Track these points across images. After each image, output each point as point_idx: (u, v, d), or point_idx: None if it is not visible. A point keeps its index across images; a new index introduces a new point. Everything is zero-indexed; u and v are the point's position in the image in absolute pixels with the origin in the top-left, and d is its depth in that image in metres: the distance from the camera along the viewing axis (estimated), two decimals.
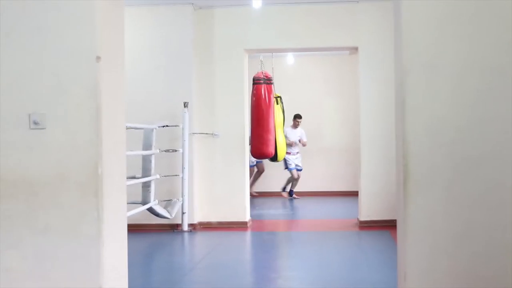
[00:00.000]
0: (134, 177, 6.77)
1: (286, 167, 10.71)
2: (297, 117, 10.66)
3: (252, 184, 10.82)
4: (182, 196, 7.32)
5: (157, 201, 7.15)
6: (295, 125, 10.69)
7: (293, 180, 10.90)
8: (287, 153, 10.35)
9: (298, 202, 10.57)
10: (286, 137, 10.22)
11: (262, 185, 11.26)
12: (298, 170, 10.81)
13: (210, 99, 7.70)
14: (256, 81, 7.87)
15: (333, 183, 11.03)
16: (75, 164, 3.03)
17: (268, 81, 7.89)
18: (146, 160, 7.02)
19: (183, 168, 7.33)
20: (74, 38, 3.05)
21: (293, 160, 10.72)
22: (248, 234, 7.44)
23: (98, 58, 3.04)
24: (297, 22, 7.58)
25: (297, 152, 10.80)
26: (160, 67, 7.55)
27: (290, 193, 11.00)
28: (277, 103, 8.26)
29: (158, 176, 7.10)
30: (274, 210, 9.92)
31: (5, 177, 3.05)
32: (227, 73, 7.68)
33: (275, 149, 8.07)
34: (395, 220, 3.24)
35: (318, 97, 11.30)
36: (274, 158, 8.39)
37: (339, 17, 7.54)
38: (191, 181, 7.46)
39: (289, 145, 10.33)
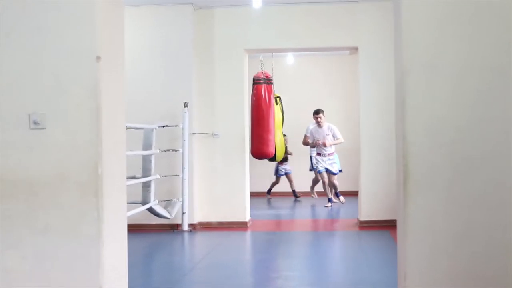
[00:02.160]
0: (134, 177, 6.77)
1: (312, 168, 9.92)
2: (315, 113, 9.59)
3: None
4: (182, 196, 7.32)
5: (157, 201, 7.15)
6: (318, 123, 9.59)
7: (323, 184, 9.80)
8: (317, 154, 9.72)
9: (298, 202, 10.57)
10: (313, 137, 9.59)
11: (263, 186, 11.25)
12: (332, 173, 9.72)
13: (210, 99, 7.70)
14: (256, 81, 7.87)
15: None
16: (75, 164, 3.03)
17: (268, 81, 7.89)
18: (146, 160, 7.02)
19: (183, 168, 7.33)
20: (74, 38, 3.05)
21: (323, 162, 9.69)
22: (248, 234, 7.44)
23: (98, 58, 3.04)
24: (297, 22, 7.59)
25: (330, 154, 9.68)
26: (160, 67, 7.55)
27: (337, 195, 9.93)
28: (276, 103, 8.26)
29: (158, 176, 7.10)
30: (274, 210, 9.92)
31: (5, 177, 3.05)
32: (227, 73, 7.68)
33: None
34: (395, 220, 3.24)
35: (318, 97, 11.29)
36: (272, 159, 8.39)
37: (339, 17, 7.54)
38: (191, 181, 7.46)
39: (315, 145, 9.62)
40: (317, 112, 9.58)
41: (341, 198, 9.85)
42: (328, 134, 9.60)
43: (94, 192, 3.02)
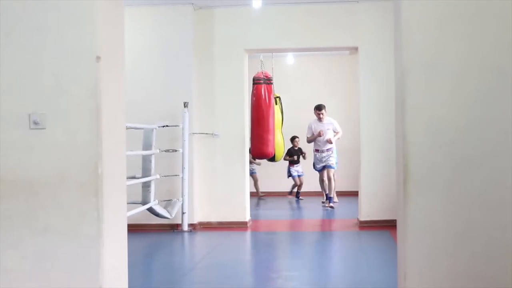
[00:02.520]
0: (134, 177, 6.77)
1: (314, 168, 9.69)
2: (318, 108, 9.39)
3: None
4: (182, 196, 7.32)
5: (157, 201, 7.15)
6: (320, 119, 9.39)
7: (321, 183, 9.68)
8: (315, 150, 9.52)
9: (298, 202, 10.56)
10: (312, 132, 9.35)
11: (263, 186, 11.26)
12: (330, 167, 9.42)
13: (210, 99, 7.70)
14: (256, 81, 7.88)
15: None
16: (75, 164, 3.03)
17: (268, 81, 7.89)
18: (146, 160, 7.02)
19: (183, 168, 7.33)
20: (74, 38, 3.05)
21: (321, 159, 9.48)
22: (248, 234, 7.44)
23: (98, 58, 3.04)
24: (297, 22, 7.59)
25: (328, 150, 9.40)
26: (160, 67, 7.55)
27: (329, 200, 9.50)
28: (276, 103, 8.26)
29: (158, 176, 7.10)
30: (274, 210, 9.92)
31: (5, 177, 3.05)
32: (227, 73, 7.68)
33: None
34: (395, 220, 3.24)
35: (318, 97, 11.25)
36: (272, 159, 8.39)
37: (339, 17, 7.54)
38: (191, 181, 7.46)
39: (314, 140, 9.35)
40: (319, 108, 9.37)
41: (331, 204, 9.45)
42: (329, 129, 9.38)
43: (94, 192, 3.02)
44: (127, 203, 3.68)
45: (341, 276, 5.26)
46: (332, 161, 9.47)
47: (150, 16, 7.63)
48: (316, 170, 9.74)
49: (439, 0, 2.95)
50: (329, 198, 9.53)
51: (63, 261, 3.04)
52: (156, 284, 4.95)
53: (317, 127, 9.39)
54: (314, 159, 9.70)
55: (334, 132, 9.45)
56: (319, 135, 9.31)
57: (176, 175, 7.41)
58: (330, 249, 6.64)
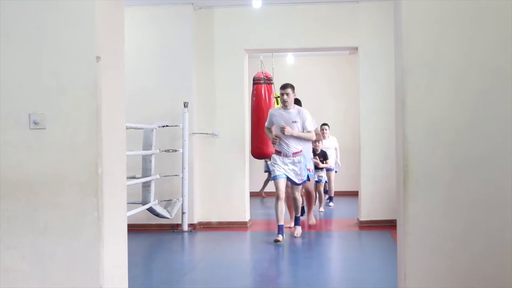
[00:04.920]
0: (134, 177, 6.77)
1: (268, 171, 7.79)
2: (281, 87, 6.55)
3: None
4: (182, 196, 7.32)
5: (157, 201, 7.15)
6: (284, 102, 6.49)
7: (276, 199, 6.49)
8: (276, 152, 6.56)
9: None
10: (272, 123, 6.61)
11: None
12: (294, 183, 6.50)
13: (210, 99, 7.70)
14: (256, 81, 7.87)
15: (333, 183, 11.01)
16: (75, 164, 3.03)
17: (268, 81, 7.89)
18: (146, 160, 7.02)
19: (183, 168, 7.33)
20: (73, 38, 3.05)
21: (283, 166, 6.41)
22: (248, 234, 7.44)
23: (98, 58, 3.04)
24: (297, 22, 7.59)
25: (295, 153, 6.41)
26: (160, 67, 7.55)
27: (296, 220, 6.91)
28: (277, 103, 8.25)
29: (158, 176, 7.10)
30: (273, 210, 9.89)
31: (5, 177, 3.05)
32: (227, 73, 7.68)
33: None
34: (395, 220, 3.24)
35: (318, 97, 11.30)
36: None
37: (339, 17, 7.54)
38: (191, 181, 7.46)
39: (281, 133, 6.40)
40: (284, 87, 6.50)
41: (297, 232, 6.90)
42: (295, 122, 6.44)
43: (94, 192, 3.02)
44: (127, 203, 3.68)
45: (341, 276, 5.26)
46: (302, 174, 6.47)
47: (150, 16, 7.63)
48: (273, 178, 6.57)
49: (439, 0, 2.95)
50: (296, 218, 6.94)
51: (63, 261, 3.04)
52: (156, 284, 4.95)
53: (279, 117, 6.50)
54: (271, 161, 6.70)
55: (304, 129, 6.48)
56: (281, 131, 6.38)
57: (176, 175, 7.41)
58: (330, 249, 6.64)
